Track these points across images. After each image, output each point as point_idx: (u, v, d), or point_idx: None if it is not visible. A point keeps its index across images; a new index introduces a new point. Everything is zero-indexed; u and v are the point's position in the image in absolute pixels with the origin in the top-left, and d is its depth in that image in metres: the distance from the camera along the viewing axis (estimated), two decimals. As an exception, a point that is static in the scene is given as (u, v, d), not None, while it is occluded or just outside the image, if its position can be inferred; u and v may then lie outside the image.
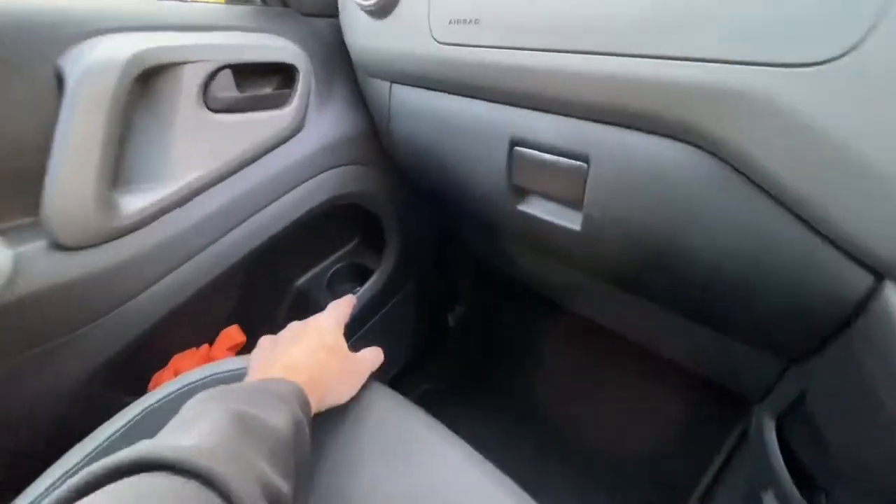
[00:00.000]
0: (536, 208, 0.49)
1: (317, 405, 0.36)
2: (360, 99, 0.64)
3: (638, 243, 0.41)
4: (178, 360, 0.61)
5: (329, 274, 0.78)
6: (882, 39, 0.24)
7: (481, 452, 0.41)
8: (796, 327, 0.36)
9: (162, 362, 0.61)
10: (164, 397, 0.43)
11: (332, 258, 0.79)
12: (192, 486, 0.21)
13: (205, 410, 0.28)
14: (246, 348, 0.68)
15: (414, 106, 0.56)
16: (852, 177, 0.26)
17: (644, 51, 0.32)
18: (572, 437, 0.88)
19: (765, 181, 0.30)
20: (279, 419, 0.29)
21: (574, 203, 0.44)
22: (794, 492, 0.47)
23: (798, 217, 0.30)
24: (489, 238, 0.77)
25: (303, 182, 0.60)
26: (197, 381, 0.45)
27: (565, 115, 0.41)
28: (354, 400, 0.41)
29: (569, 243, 0.48)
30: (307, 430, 0.32)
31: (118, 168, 0.47)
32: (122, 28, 0.46)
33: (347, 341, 0.74)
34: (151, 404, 0.42)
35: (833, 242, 0.29)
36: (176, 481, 0.21)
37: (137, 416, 0.41)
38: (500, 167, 0.48)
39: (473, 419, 0.95)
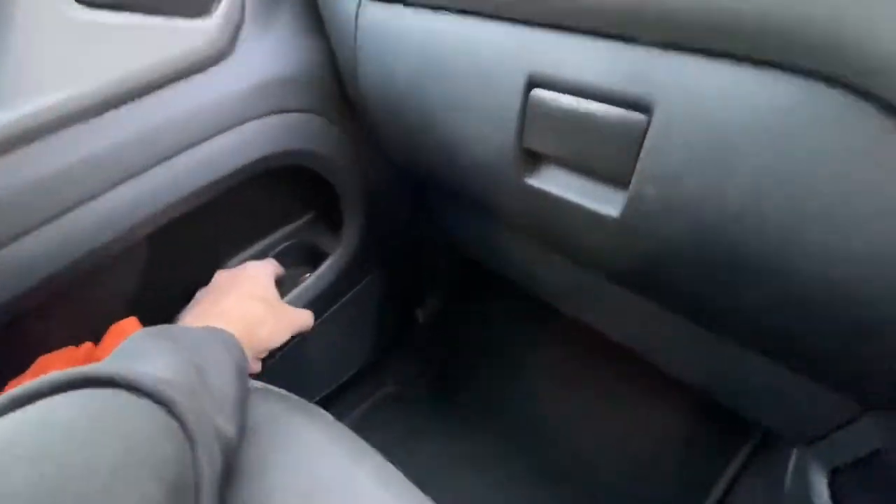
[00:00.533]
0: (553, 183, 0.35)
1: (248, 353, 0.38)
2: (316, 22, 0.47)
3: (710, 238, 0.28)
4: (45, 363, 0.44)
5: (272, 255, 0.62)
6: None
7: (446, 467, 0.40)
8: None
9: (22, 366, 0.44)
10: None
11: (277, 235, 0.63)
12: (149, 406, 0.20)
13: (157, 348, 0.27)
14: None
15: (391, 31, 0.40)
16: None
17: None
18: (552, 456, 0.76)
19: None
20: (227, 374, 0.29)
21: (614, 176, 0.31)
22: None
23: None
24: (475, 219, 0.63)
25: (228, 128, 0.43)
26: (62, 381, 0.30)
27: (615, 37, 0.27)
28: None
29: (596, 234, 0.34)
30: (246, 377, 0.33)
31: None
32: None
33: (291, 341, 0.60)
34: None
35: None
36: (134, 399, 0.20)
37: None
38: (509, 120, 0.34)
39: (440, 429, 0.84)
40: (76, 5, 0.34)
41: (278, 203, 0.62)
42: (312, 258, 0.64)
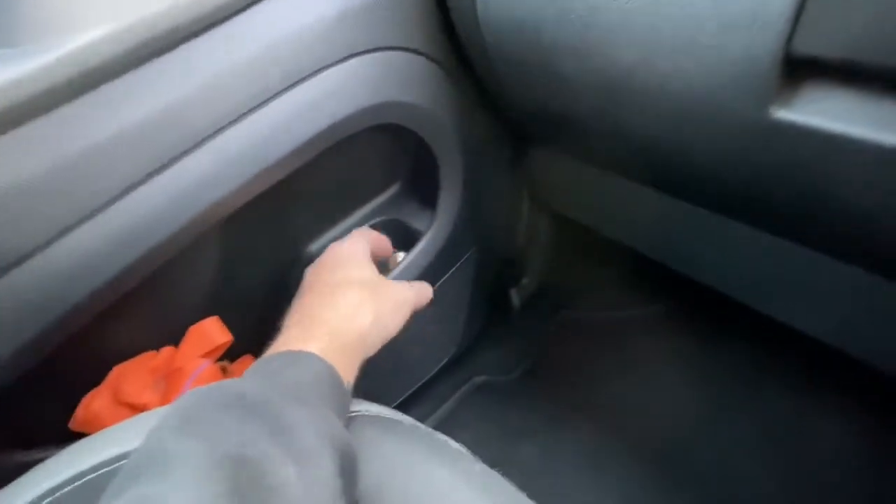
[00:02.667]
0: (837, 115, 0.22)
1: (356, 365, 0.29)
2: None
3: None
4: (120, 373, 0.38)
5: (356, 235, 0.53)
6: None
7: (548, 471, 0.36)
8: None
9: (95, 377, 0.38)
10: (98, 468, 0.22)
11: (361, 212, 0.53)
12: None
13: (178, 453, 0.17)
14: (239, 350, 0.45)
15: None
16: None
17: None
18: (678, 462, 0.65)
19: None
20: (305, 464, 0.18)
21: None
22: None
23: None
24: (598, 182, 0.50)
25: (314, 72, 0.33)
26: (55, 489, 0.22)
27: None
28: None
29: None
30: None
31: None
32: None
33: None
34: (72, 478, 0.20)
35: None
36: None
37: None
38: (773, 10, 0.20)
39: (539, 426, 0.74)
40: None
41: (360, 172, 0.51)
42: (402, 238, 0.54)
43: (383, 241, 0.42)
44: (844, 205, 0.25)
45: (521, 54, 0.33)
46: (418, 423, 0.29)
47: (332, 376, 0.25)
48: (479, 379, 0.78)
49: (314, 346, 0.26)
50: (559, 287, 0.79)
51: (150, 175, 0.28)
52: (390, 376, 0.63)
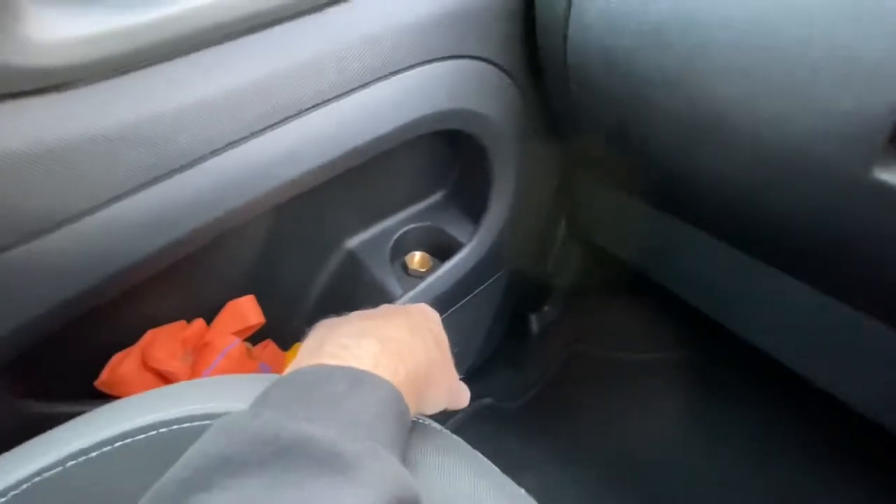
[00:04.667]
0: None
1: (412, 410, 0.22)
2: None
3: None
4: (151, 339, 0.37)
5: (395, 238, 0.52)
6: None
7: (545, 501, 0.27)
8: None
9: (126, 339, 0.37)
10: (116, 439, 0.22)
11: (403, 215, 0.53)
12: None
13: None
14: (260, 334, 0.44)
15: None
16: None
17: None
18: (678, 492, 0.63)
19: None
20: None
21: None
22: None
23: None
24: (645, 218, 0.50)
25: (398, 71, 0.33)
26: (184, 420, 0.22)
27: None
28: None
29: None
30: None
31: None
32: None
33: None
34: (92, 446, 0.21)
35: None
36: None
37: (61, 463, 0.19)
38: (886, 73, 0.20)
39: (541, 455, 0.72)
40: None
41: (409, 175, 0.52)
42: (440, 247, 0.54)
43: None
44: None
45: (607, 78, 0.33)
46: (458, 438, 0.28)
47: (404, 410, 0.21)
48: (485, 401, 0.76)
49: (387, 370, 0.21)
50: (580, 319, 0.78)
51: (230, 144, 0.28)
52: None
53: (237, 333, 0.40)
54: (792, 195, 0.27)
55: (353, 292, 0.51)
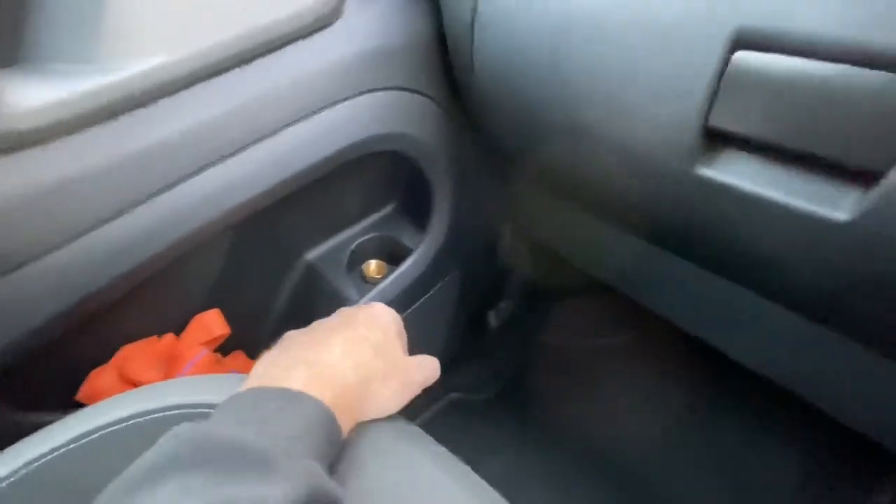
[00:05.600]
0: (745, 175, 0.28)
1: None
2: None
3: None
4: (126, 354, 0.41)
5: (351, 248, 0.58)
6: None
7: (513, 485, 0.31)
8: None
9: (102, 355, 0.41)
10: (100, 429, 0.25)
11: (358, 227, 0.58)
12: None
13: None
14: (229, 343, 0.48)
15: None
16: None
17: None
18: (641, 482, 0.69)
19: None
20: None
21: (859, 166, 0.23)
22: None
23: None
24: (572, 217, 0.56)
25: (331, 105, 0.38)
26: (143, 415, 0.26)
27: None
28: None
29: (801, 245, 0.27)
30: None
31: (12, 29, 0.26)
32: None
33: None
34: (79, 436, 0.24)
35: None
36: None
37: (54, 451, 0.23)
38: (694, 91, 0.27)
39: (507, 442, 0.78)
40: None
41: (360, 191, 0.57)
42: (392, 253, 0.59)
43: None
44: (760, 253, 0.31)
45: (509, 101, 0.39)
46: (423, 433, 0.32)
47: (332, 424, 0.23)
48: (454, 396, 0.81)
49: (316, 391, 0.24)
50: (536, 312, 0.84)
51: (180, 179, 0.33)
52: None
53: (205, 344, 0.45)
54: (649, 191, 0.33)
55: (315, 301, 0.56)
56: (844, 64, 0.22)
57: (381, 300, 0.55)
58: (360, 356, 0.27)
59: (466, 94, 0.44)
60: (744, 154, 0.28)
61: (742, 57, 0.25)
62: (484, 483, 0.28)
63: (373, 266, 0.59)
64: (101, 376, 0.40)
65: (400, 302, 0.58)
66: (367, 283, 0.58)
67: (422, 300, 0.62)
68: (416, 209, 0.58)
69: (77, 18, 0.28)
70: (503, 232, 0.70)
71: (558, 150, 0.38)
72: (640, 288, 0.55)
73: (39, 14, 0.27)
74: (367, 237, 0.59)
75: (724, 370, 0.66)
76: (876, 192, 0.23)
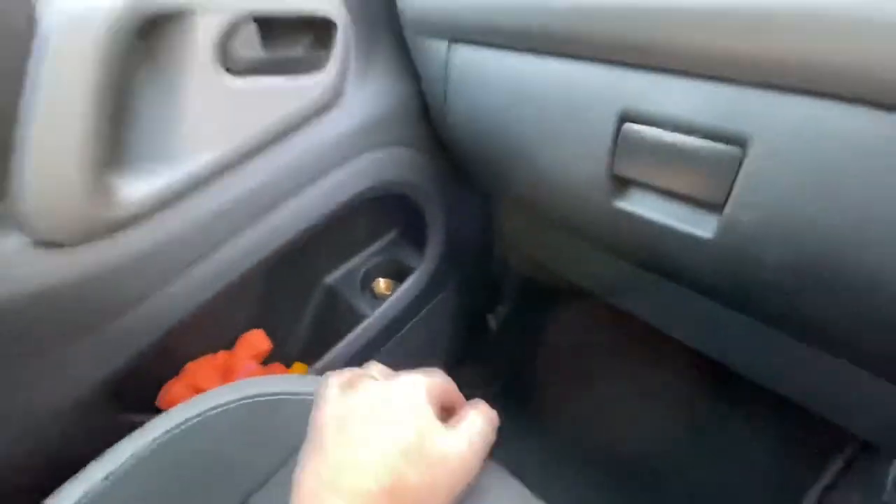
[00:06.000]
0: (642, 206, 0.38)
1: None
2: (409, 65, 0.52)
3: (802, 258, 0.30)
4: (192, 369, 0.53)
5: (363, 270, 0.68)
6: None
7: (518, 473, 0.33)
8: None
9: (173, 371, 0.52)
10: (176, 427, 0.35)
11: (367, 253, 0.69)
12: None
13: None
14: (271, 356, 0.59)
15: (479, 71, 0.45)
16: None
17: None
18: (630, 465, 0.78)
19: None
20: None
21: (708, 202, 0.33)
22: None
23: None
24: (548, 234, 0.66)
25: (340, 165, 0.49)
26: (218, 406, 0.36)
27: (710, 77, 0.29)
28: None
29: (686, 253, 0.37)
30: None
31: (114, 145, 0.37)
32: None
33: (380, 348, 0.66)
34: (159, 437, 0.34)
35: None
36: None
37: (141, 451, 0.33)
38: (600, 150, 0.37)
39: (512, 433, 0.87)
40: (225, 74, 0.41)
41: (369, 223, 0.68)
42: (398, 272, 0.70)
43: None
44: (663, 260, 0.40)
45: (477, 150, 0.50)
46: None
47: None
48: (463, 392, 0.91)
49: None
50: (532, 313, 0.93)
51: (237, 233, 0.44)
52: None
53: (252, 357, 0.56)
54: (591, 218, 0.43)
55: (334, 316, 0.67)
56: (692, 136, 0.32)
57: (390, 313, 0.66)
58: (394, 473, 0.24)
59: (445, 145, 0.54)
60: (642, 191, 0.38)
61: (628, 126, 0.35)
62: None
63: (382, 284, 0.70)
64: (173, 387, 0.51)
65: (406, 312, 0.68)
66: (377, 298, 0.69)
67: (425, 310, 0.72)
68: (416, 235, 0.69)
69: (150, 133, 0.40)
70: (494, 248, 0.80)
71: (519, 187, 0.48)
72: (615, 293, 0.64)
73: (133, 132, 0.39)
74: (375, 260, 0.70)
75: (701, 365, 0.75)
76: (723, 218, 0.32)
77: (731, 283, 0.36)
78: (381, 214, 0.67)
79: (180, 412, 0.36)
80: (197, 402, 0.36)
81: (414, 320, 0.71)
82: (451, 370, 0.82)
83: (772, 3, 0.25)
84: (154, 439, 0.33)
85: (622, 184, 0.38)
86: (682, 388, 0.79)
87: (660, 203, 0.37)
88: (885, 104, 0.23)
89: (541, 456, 0.82)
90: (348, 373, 0.30)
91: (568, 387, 0.89)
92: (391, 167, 0.54)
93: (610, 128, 0.36)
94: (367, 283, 0.70)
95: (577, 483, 0.78)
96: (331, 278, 0.67)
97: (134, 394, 0.49)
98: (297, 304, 0.65)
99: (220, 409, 0.36)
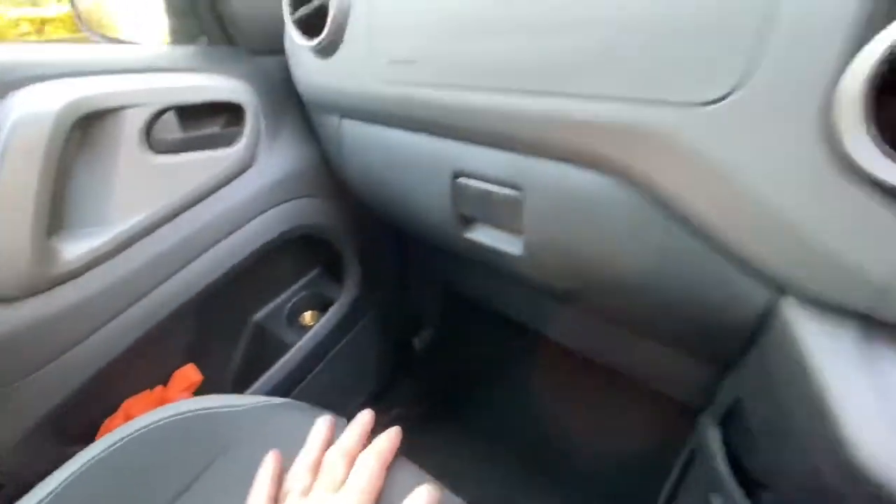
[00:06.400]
0: (481, 235, 0.51)
1: None
2: (312, 132, 0.65)
3: (573, 264, 0.43)
4: (129, 404, 0.59)
5: (289, 306, 0.78)
6: (762, 79, 0.27)
7: (448, 475, 0.40)
8: (715, 335, 0.39)
9: (113, 408, 0.59)
10: (112, 445, 0.42)
11: (292, 290, 0.79)
12: None
13: None
14: (203, 387, 0.67)
15: (363, 139, 0.57)
16: (745, 204, 0.29)
17: (567, 90, 0.35)
18: (541, 457, 0.89)
19: (675, 210, 0.33)
20: None
21: (514, 229, 0.46)
22: (741, 496, 0.49)
23: (706, 240, 0.32)
24: (451, 261, 0.79)
25: (254, 218, 0.60)
26: (149, 424, 0.44)
27: (501, 148, 0.43)
28: None
29: (514, 266, 0.50)
30: None
31: (56, 214, 0.46)
32: (60, 75, 0.46)
33: (308, 374, 0.75)
34: (97, 454, 0.41)
35: (738, 261, 0.32)
36: None
37: (81, 468, 0.40)
38: (445, 197, 0.50)
39: (442, 442, 0.96)
40: (150, 153, 0.51)
41: (293, 263, 0.78)
42: (323, 305, 0.80)
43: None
44: (504, 271, 0.53)
45: (371, 197, 0.62)
46: None
47: None
48: (396, 411, 1.00)
49: None
50: (456, 332, 1.05)
51: (167, 278, 0.53)
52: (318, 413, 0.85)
53: (185, 390, 0.63)
54: (451, 247, 0.56)
55: (264, 349, 0.75)
56: (497, 186, 0.45)
57: (314, 341, 0.75)
58: None
59: (349, 192, 0.66)
60: (479, 225, 0.51)
61: (460, 180, 0.48)
62: None
63: (307, 316, 0.79)
64: (113, 422, 0.57)
65: (330, 340, 0.78)
66: (303, 328, 0.78)
67: (348, 337, 0.82)
68: (336, 270, 0.79)
69: (87, 203, 0.49)
70: (409, 278, 0.92)
71: (406, 224, 0.61)
72: (512, 309, 0.78)
73: (73, 203, 0.48)
74: (301, 295, 0.79)
75: (577, 366, 0.88)
76: (524, 240, 0.46)
77: (546, 285, 0.50)
78: (304, 255, 0.78)
79: (117, 433, 0.44)
80: (131, 424, 0.44)
81: (338, 347, 0.80)
82: (387, 391, 0.91)
83: (535, 110, 0.38)
84: (93, 457, 0.40)
85: (465, 220, 0.51)
86: (572, 384, 0.93)
87: (491, 232, 0.50)
88: (600, 168, 0.37)
89: (469, 457, 0.91)
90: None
91: (489, 396, 1.00)
92: (302, 215, 0.65)
93: (448, 181, 0.49)
94: (293, 317, 0.79)
95: (491, 468, 0.88)
96: (259, 315, 0.76)
97: (78, 430, 0.55)
98: (228, 340, 0.73)
99: (149, 427, 0.44)
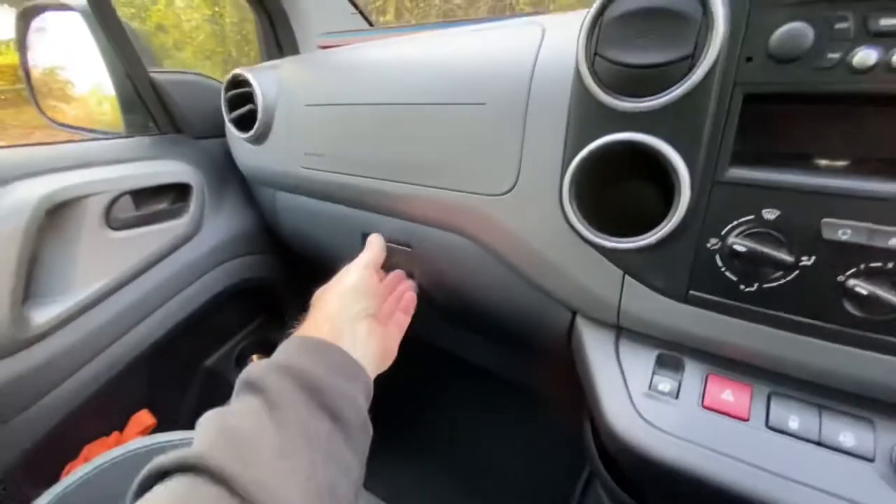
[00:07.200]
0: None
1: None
2: (251, 200, 0.77)
3: (451, 295, 0.57)
4: (89, 449, 0.66)
5: (237, 351, 0.87)
6: (524, 183, 0.42)
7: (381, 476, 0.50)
8: (543, 340, 0.53)
9: (76, 453, 0.65)
10: (72, 483, 0.50)
11: (239, 336, 0.88)
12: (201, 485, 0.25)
13: (284, 402, 0.31)
14: (157, 429, 0.74)
15: (294, 207, 0.70)
16: (533, 256, 0.43)
17: (425, 182, 0.49)
18: (462, 458, 0.99)
19: (501, 258, 0.47)
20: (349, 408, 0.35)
21: (410, 274, 0.60)
22: (611, 482, 0.61)
23: (522, 277, 0.47)
24: None
25: (201, 276, 0.70)
26: (106, 462, 0.52)
27: (394, 217, 0.57)
28: None
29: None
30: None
31: (28, 286, 0.55)
32: (37, 172, 0.56)
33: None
34: (59, 492, 0.49)
35: (545, 292, 0.46)
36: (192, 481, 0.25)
37: (58, 496, 0.48)
38: (359, 251, 0.63)
39: (387, 464, 1.05)
40: (109, 230, 0.62)
41: (239, 313, 0.88)
42: (268, 348, 0.89)
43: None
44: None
45: (305, 249, 0.74)
46: None
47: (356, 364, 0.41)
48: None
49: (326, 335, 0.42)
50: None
51: (122, 335, 0.62)
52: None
53: (140, 433, 0.70)
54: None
55: (216, 391, 0.83)
56: (396, 244, 0.59)
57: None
58: (338, 307, 0.47)
59: (284, 248, 0.78)
60: (390, 272, 0.64)
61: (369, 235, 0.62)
62: None
63: (255, 359, 0.89)
64: (74, 465, 0.64)
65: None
66: (252, 371, 0.87)
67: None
68: (278, 316, 0.89)
69: (55, 276, 0.58)
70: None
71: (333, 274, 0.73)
72: (434, 337, 0.90)
73: (42, 276, 0.57)
74: (250, 339, 0.89)
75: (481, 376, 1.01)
76: (416, 280, 0.59)
77: (437, 310, 0.63)
78: (249, 305, 0.88)
79: (77, 472, 0.52)
80: (90, 463, 0.53)
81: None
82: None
83: (405, 193, 0.52)
84: (56, 494, 0.48)
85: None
86: (476, 391, 1.05)
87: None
88: (455, 231, 0.51)
89: (410, 477, 1.00)
90: None
91: (420, 414, 1.10)
92: (245, 270, 0.76)
93: (360, 239, 0.62)
94: (242, 360, 0.88)
95: (421, 470, 0.98)
96: (209, 361, 0.84)
97: (43, 474, 0.62)
98: (181, 385, 0.81)
99: (106, 465, 0.52)
